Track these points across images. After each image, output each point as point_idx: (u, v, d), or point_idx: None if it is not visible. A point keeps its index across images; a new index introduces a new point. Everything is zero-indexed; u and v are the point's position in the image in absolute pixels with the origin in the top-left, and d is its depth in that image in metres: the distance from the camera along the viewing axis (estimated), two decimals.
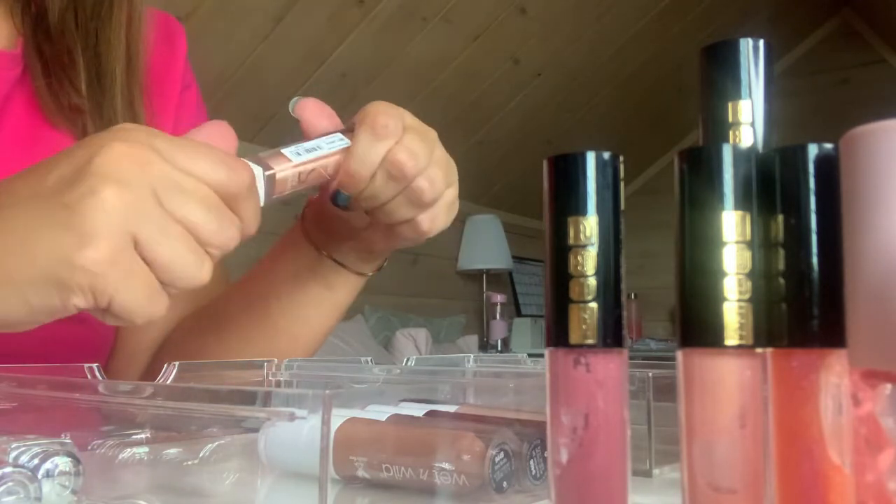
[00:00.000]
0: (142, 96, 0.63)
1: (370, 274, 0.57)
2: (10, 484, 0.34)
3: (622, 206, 0.27)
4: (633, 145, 3.81)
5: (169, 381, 0.46)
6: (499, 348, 3.35)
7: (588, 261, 0.27)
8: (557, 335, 0.27)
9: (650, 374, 0.44)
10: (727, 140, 0.31)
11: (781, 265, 0.26)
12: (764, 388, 0.26)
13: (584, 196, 0.27)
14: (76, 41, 0.61)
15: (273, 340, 0.59)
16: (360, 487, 0.40)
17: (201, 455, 0.43)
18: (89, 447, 0.44)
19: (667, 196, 2.67)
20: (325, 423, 0.31)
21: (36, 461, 0.35)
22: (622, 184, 0.28)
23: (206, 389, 0.37)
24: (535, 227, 3.87)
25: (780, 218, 0.26)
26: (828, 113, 3.48)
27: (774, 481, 0.26)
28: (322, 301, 0.57)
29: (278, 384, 0.54)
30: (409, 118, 0.47)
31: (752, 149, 0.27)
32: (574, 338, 0.27)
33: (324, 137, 0.46)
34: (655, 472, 0.45)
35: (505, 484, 0.38)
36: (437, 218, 0.49)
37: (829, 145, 0.26)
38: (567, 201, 0.27)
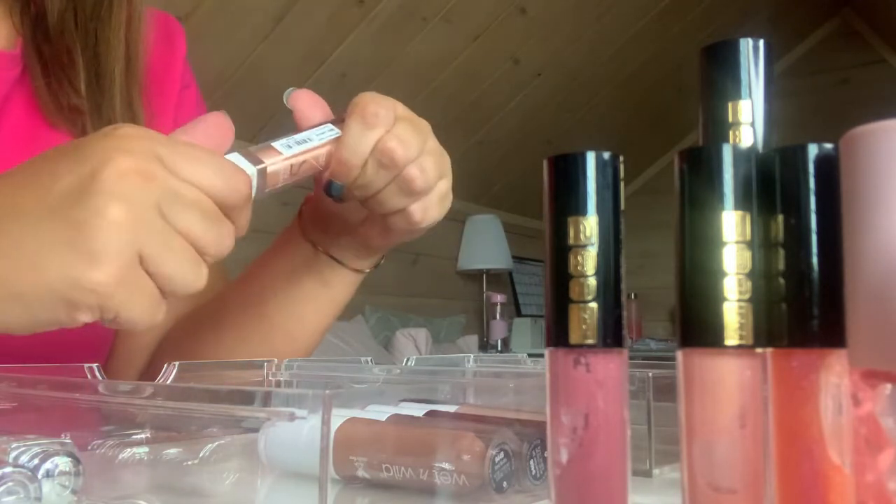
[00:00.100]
0: (141, 96, 0.63)
1: (367, 271, 0.58)
2: (10, 484, 0.34)
3: (622, 206, 0.27)
4: (633, 145, 3.81)
5: (169, 381, 0.46)
6: (499, 348, 3.35)
7: (588, 261, 0.27)
8: (557, 335, 0.27)
9: (650, 374, 0.44)
10: (727, 140, 0.31)
11: (781, 265, 0.26)
12: (764, 388, 0.26)
13: (584, 196, 0.27)
14: (75, 41, 0.61)
15: (270, 338, 0.59)
16: (360, 487, 0.40)
17: (201, 455, 0.43)
18: (89, 447, 0.44)
19: (667, 196, 2.67)
20: (325, 423, 0.31)
21: (36, 461, 0.35)
22: (622, 184, 0.28)
23: (206, 389, 0.37)
24: (535, 227, 3.87)
25: (780, 218, 0.26)
26: (828, 113, 3.48)
27: (774, 481, 0.26)
28: (319, 298, 0.57)
29: (278, 384, 0.54)
30: (402, 109, 0.48)
31: (752, 149, 0.27)
32: (574, 338, 0.27)
33: (314, 129, 0.46)
34: (655, 472, 0.45)
35: (505, 484, 0.38)
36: (429, 208, 0.49)
37: (829, 145, 0.26)
38: (567, 201, 0.27)
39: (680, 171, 0.27)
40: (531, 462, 0.39)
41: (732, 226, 0.26)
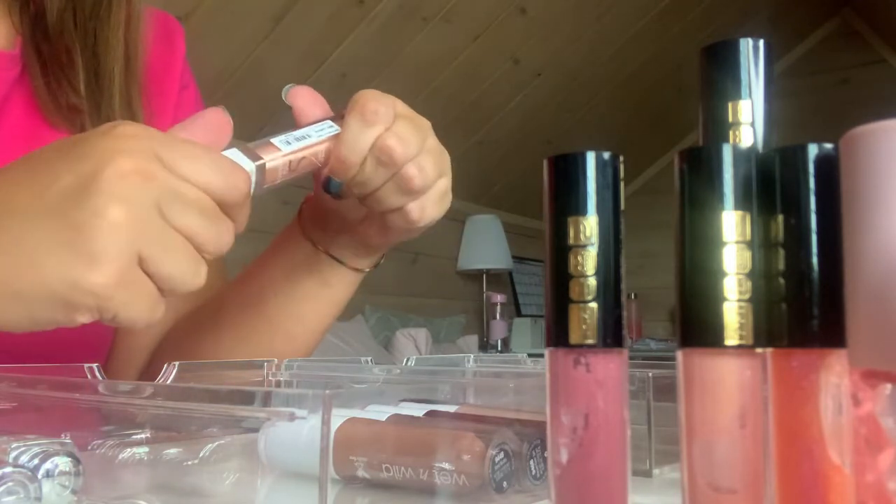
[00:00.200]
0: (140, 96, 0.63)
1: (367, 270, 0.58)
2: (10, 484, 0.34)
3: (622, 206, 0.27)
4: (633, 145, 3.81)
5: (169, 381, 0.46)
6: (499, 348, 3.35)
7: (588, 261, 0.27)
8: (557, 335, 0.27)
9: (650, 374, 0.44)
10: (727, 140, 0.31)
11: (781, 265, 0.26)
12: (764, 388, 0.26)
13: (584, 196, 0.27)
14: (74, 41, 0.61)
15: (269, 338, 0.59)
16: (360, 487, 0.40)
17: (201, 455, 0.43)
18: (89, 447, 0.44)
19: (667, 196, 2.67)
20: (325, 423, 0.31)
21: (36, 461, 0.35)
22: (622, 184, 0.28)
23: (206, 389, 0.37)
24: (535, 227, 3.87)
25: (780, 218, 0.26)
26: (828, 113, 3.48)
27: (774, 481, 0.26)
28: (319, 297, 0.57)
29: (278, 384, 0.54)
30: (402, 106, 0.48)
31: (752, 149, 0.27)
32: (574, 338, 0.27)
33: (313, 125, 0.46)
34: (655, 472, 0.45)
35: (505, 484, 0.38)
36: (427, 207, 0.49)
37: (829, 145, 0.26)
38: (567, 201, 0.27)
39: (680, 171, 0.27)
40: (531, 462, 0.39)
41: (732, 226, 0.26)
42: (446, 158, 0.50)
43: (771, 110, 0.32)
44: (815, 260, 0.25)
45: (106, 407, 0.44)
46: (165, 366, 0.47)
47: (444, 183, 0.50)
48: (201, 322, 0.63)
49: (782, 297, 0.26)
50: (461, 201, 3.23)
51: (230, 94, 2.31)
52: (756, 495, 0.25)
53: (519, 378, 0.62)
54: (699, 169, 0.26)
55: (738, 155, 0.26)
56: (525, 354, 0.73)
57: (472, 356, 0.66)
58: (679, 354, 0.26)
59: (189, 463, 0.44)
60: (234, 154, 0.41)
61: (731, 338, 0.25)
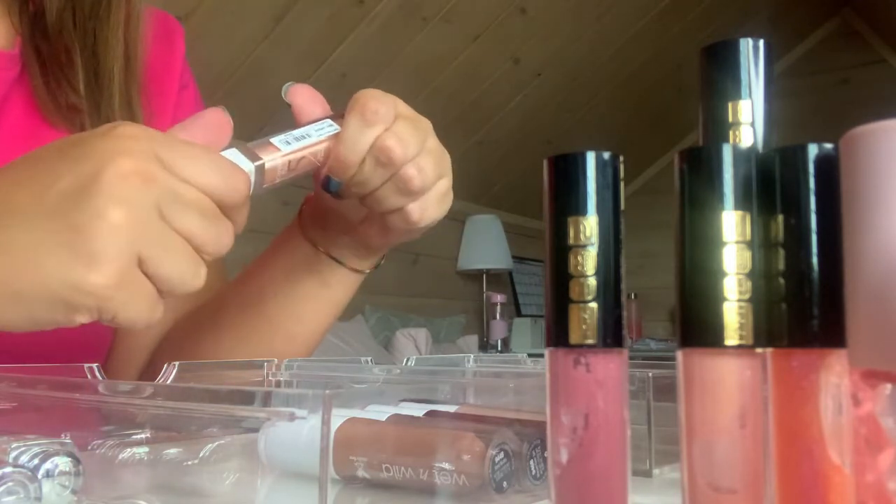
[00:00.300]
0: (139, 96, 0.63)
1: (367, 271, 0.57)
2: (10, 484, 0.34)
3: (622, 206, 0.27)
4: (633, 145, 3.81)
5: (169, 381, 0.46)
6: (499, 348, 3.35)
7: (588, 261, 0.27)
8: (557, 335, 0.27)
9: (650, 374, 0.44)
10: (727, 140, 0.31)
11: (781, 265, 0.26)
12: (764, 388, 0.26)
13: (584, 196, 0.27)
14: (74, 41, 0.61)
15: (270, 338, 0.58)
16: (360, 487, 0.40)
17: (201, 455, 0.43)
18: (89, 447, 0.44)
19: (667, 196, 2.67)
20: (325, 423, 0.31)
21: (36, 461, 0.35)
22: (622, 184, 0.28)
23: (206, 389, 0.37)
24: (535, 227, 3.87)
25: (780, 218, 0.26)
26: (828, 113, 3.48)
27: (774, 481, 0.26)
28: (319, 298, 0.57)
29: (278, 384, 0.54)
30: (403, 106, 0.48)
31: (752, 149, 0.27)
32: (574, 338, 0.27)
33: (313, 124, 0.46)
34: (655, 472, 0.45)
35: (505, 484, 0.38)
36: (427, 208, 0.49)
37: (829, 145, 0.26)
38: (567, 201, 0.27)
39: (680, 171, 0.27)
40: (531, 462, 0.39)
41: (732, 226, 0.26)
42: (447, 159, 0.50)
43: (771, 110, 0.32)
44: (815, 260, 0.25)
45: (106, 407, 0.44)
46: (165, 366, 0.47)
47: (445, 184, 0.50)
48: (201, 322, 0.63)
49: (782, 297, 0.26)
50: (461, 201, 3.23)
51: (230, 94, 2.31)
52: (756, 495, 0.25)
53: (519, 378, 0.62)
54: (699, 169, 0.26)
55: (738, 155, 0.26)
56: (525, 354, 0.73)
57: (472, 356, 0.66)
58: (679, 354, 0.26)
59: (189, 463, 0.44)
60: (234, 154, 0.41)
61: (731, 338, 0.25)
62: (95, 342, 0.63)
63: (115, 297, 0.36)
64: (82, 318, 0.37)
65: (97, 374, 0.46)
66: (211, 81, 2.21)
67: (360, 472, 0.39)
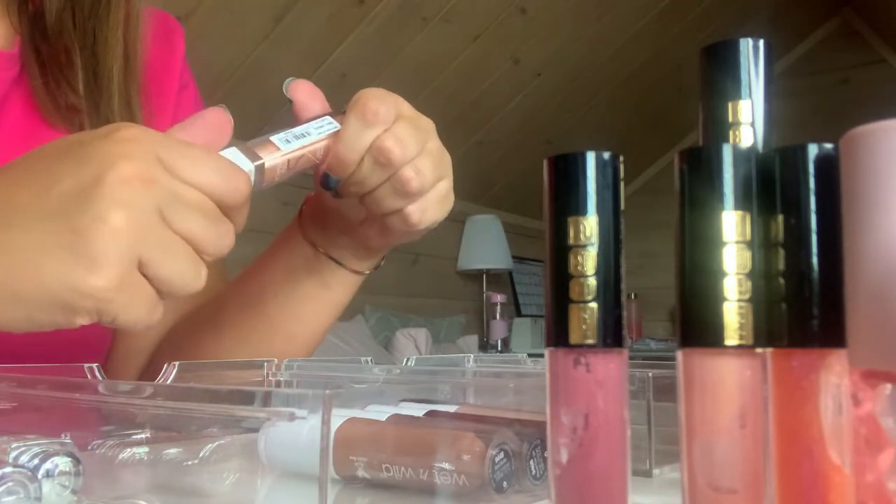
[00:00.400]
0: (139, 96, 0.63)
1: (367, 272, 0.57)
2: (10, 484, 0.34)
3: (622, 206, 0.27)
4: (633, 145, 3.81)
5: (169, 381, 0.46)
6: (499, 348, 3.35)
7: (588, 261, 0.27)
8: (557, 335, 0.27)
9: (650, 374, 0.44)
10: (727, 140, 0.31)
11: (781, 265, 0.26)
12: (764, 388, 0.26)
13: (584, 196, 0.27)
14: (73, 41, 0.61)
15: (270, 339, 0.58)
16: (360, 487, 0.40)
17: (201, 455, 0.43)
18: (89, 447, 0.44)
19: (667, 196, 2.67)
20: (325, 423, 0.31)
21: (36, 461, 0.35)
22: (622, 184, 0.28)
23: (206, 389, 0.37)
24: (535, 227, 3.87)
25: (780, 218, 0.26)
26: (828, 113, 3.48)
27: (774, 481, 0.26)
28: (319, 299, 0.57)
29: (278, 384, 0.54)
30: (405, 107, 0.47)
31: (752, 149, 0.27)
32: (574, 338, 0.27)
33: (313, 122, 0.46)
34: (655, 472, 0.45)
35: (505, 484, 0.38)
36: (427, 210, 0.49)
37: (829, 145, 0.26)
38: (567, 201, 0.27)
39: (680, 171, 0.27)
40: (531, 462, 0.39)
41: (732, 226, 0.26)
42: (447, 161, 0.50)
43: (771, 110, 0.32)
44: (815, 260, 0.25)
45: (106, 407, 0.44)
46: (165, 366, 0.47)
47: (445, 186, 0.49)
48: (201, 322, 0.63)
49: (782, 297, 0.26)
50: (461, 201, 3.23)
51: (230, 94, 2.31)
52: (756, 495, 0.25)
53: (519, 378, 0.62)
54: (699, 169, 0.26)
55: (738, 155, 0.26)
56: (525, 354, 0.73)
57: (472, 356, 0.66)
58: (679, 354, 0.26)
59: (189, 463, 0.44)
60: (233, 154, 0.41)
61: (731, 338, 0.25)
62: (95, 342, 0.63)
63: (115, 300, 0.36)
64: (82, 320, 0.37)
65: (97, 374, 0.46)
66: (211, 81, 2.21)
67: (360, 472, 0.39)
